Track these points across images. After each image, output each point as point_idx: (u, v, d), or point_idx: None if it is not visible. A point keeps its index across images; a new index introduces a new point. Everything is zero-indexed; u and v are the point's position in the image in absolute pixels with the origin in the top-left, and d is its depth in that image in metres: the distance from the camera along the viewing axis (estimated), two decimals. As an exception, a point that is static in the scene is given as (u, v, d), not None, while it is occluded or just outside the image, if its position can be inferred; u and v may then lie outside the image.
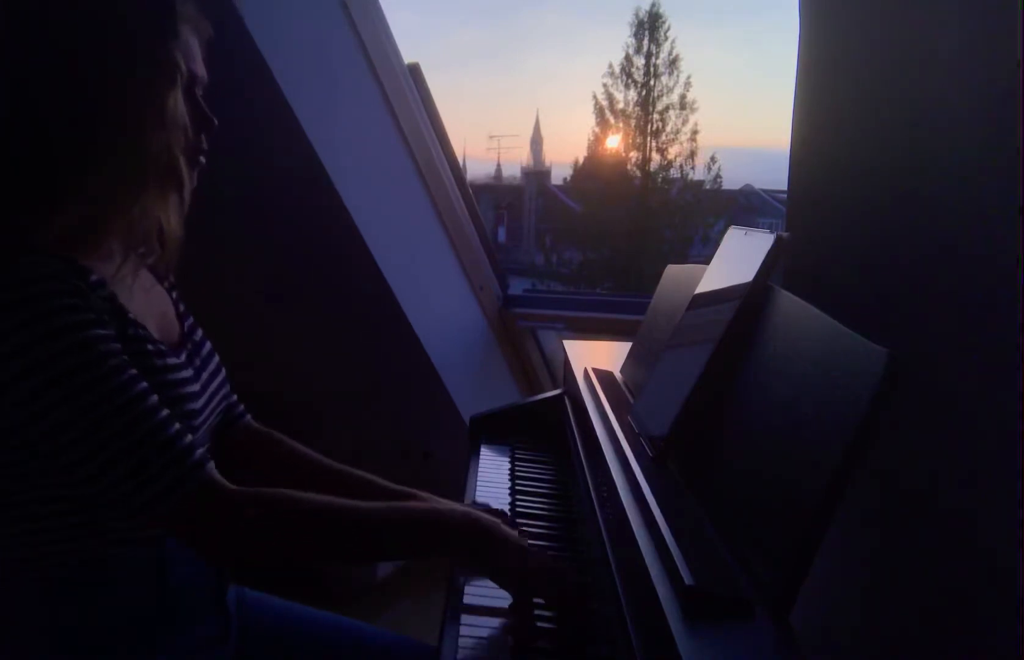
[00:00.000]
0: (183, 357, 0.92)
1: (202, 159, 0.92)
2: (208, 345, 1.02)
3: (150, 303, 0.94)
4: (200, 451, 0.80)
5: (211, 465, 0.80)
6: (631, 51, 17.99)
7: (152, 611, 0.86)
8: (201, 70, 0.90)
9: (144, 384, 0.78)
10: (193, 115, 0.88)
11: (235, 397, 1.10)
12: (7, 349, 0.73)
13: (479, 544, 0.88)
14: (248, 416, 1.12)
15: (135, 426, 0.75)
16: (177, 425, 0.79)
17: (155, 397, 0.79)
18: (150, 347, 0.85)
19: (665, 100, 17.95)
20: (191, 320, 1.02)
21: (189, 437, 0.80)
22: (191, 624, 0.90)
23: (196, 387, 0.91)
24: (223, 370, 1.03)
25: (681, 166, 18.09)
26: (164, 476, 0.76)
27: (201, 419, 0.91)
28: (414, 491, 1.15)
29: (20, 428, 0.76)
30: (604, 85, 18.48)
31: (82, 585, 0.82)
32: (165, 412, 0.79)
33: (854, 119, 1.06)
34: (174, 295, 1.02)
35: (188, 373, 0.91)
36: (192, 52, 0.88)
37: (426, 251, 2.22)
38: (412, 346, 2.21)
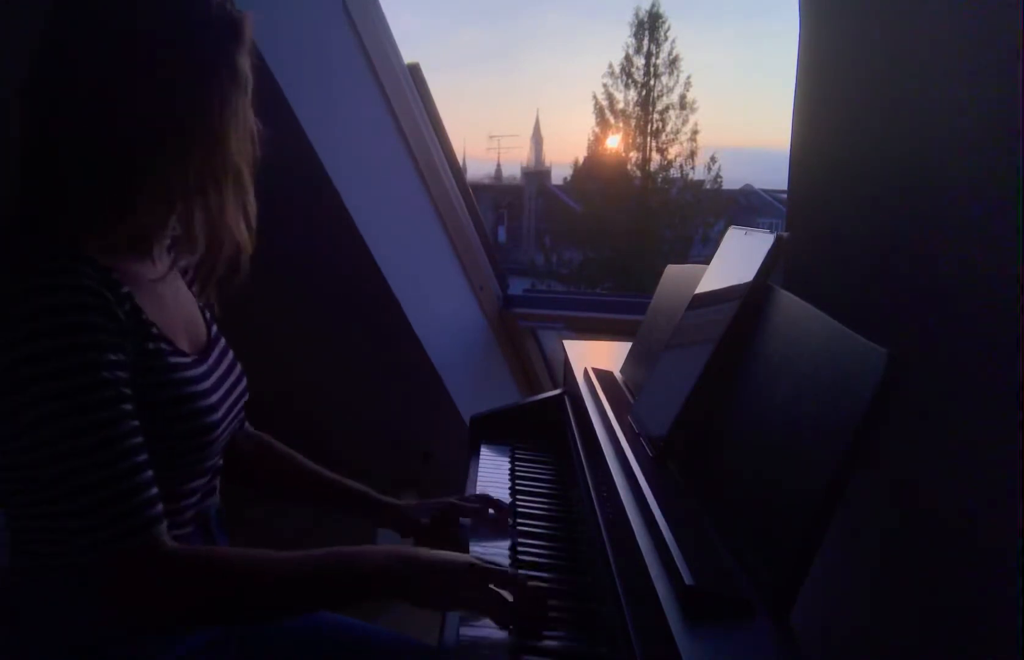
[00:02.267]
0: (207, 366, 0.92)
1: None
2: (231, 354, 1.01)
3: (180, 308, 0.93)
4: (157, 508, 0.77)
5: (163, 526, 0.77)
6: (631, 51, 17.96)
7: None
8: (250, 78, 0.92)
9: (133, 423, 0.77)
10: None
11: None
12: (17, 356, 0.73)
13: (412, 577, 0.82)
14: (246, 421, 1.12)
15: (106, 465, 0.74)
16: (148, 473, 0.77)
17: (139, 439, 0.77)
18: (172, 360, 0.85)
19: (665, 100, 17.90)
20: (216, 327, 1.01)
21: (154, 490, 0.77)
22: (195, 628, 0.90)
23: (216, 398, 0.91)
24: (244, 379, 1.02)
25: (681, 166, 18.04)
26: (115, 525, 0.74)
27: (219, 431, 0.90)
28: (395, 502, 1.16)
29: (15, 435, 0.75)
30: (604, 85, 18.43)
31: (86, 588, 0.82)
32: (143, 457, 0.77)
33: (854, 119, 1.06)
34: (200, 302, 1.01)
35: (209, 383, 0.90)
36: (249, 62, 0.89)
37: (426, 251, 2.22)
38: (412, 346, 2.21)
